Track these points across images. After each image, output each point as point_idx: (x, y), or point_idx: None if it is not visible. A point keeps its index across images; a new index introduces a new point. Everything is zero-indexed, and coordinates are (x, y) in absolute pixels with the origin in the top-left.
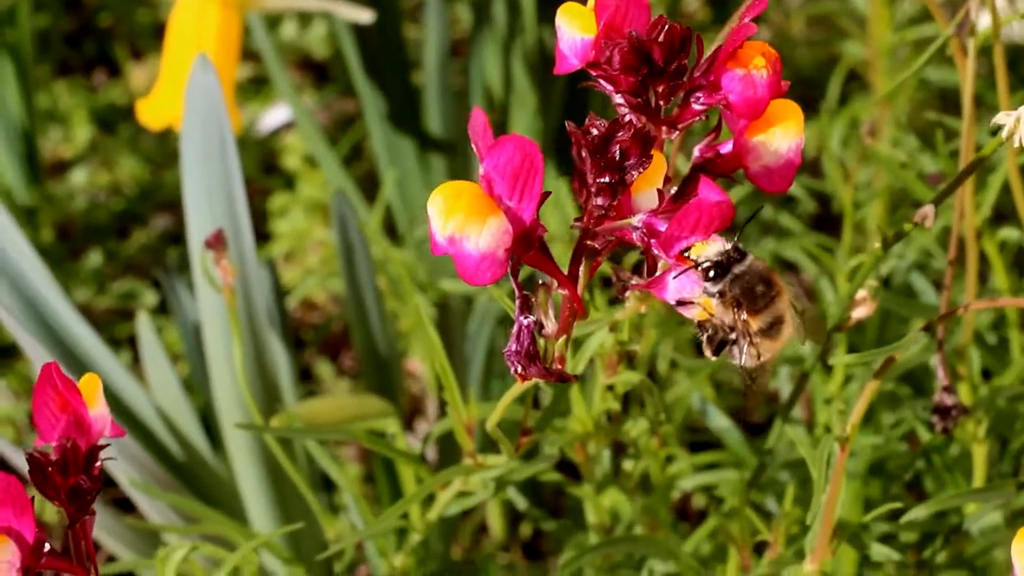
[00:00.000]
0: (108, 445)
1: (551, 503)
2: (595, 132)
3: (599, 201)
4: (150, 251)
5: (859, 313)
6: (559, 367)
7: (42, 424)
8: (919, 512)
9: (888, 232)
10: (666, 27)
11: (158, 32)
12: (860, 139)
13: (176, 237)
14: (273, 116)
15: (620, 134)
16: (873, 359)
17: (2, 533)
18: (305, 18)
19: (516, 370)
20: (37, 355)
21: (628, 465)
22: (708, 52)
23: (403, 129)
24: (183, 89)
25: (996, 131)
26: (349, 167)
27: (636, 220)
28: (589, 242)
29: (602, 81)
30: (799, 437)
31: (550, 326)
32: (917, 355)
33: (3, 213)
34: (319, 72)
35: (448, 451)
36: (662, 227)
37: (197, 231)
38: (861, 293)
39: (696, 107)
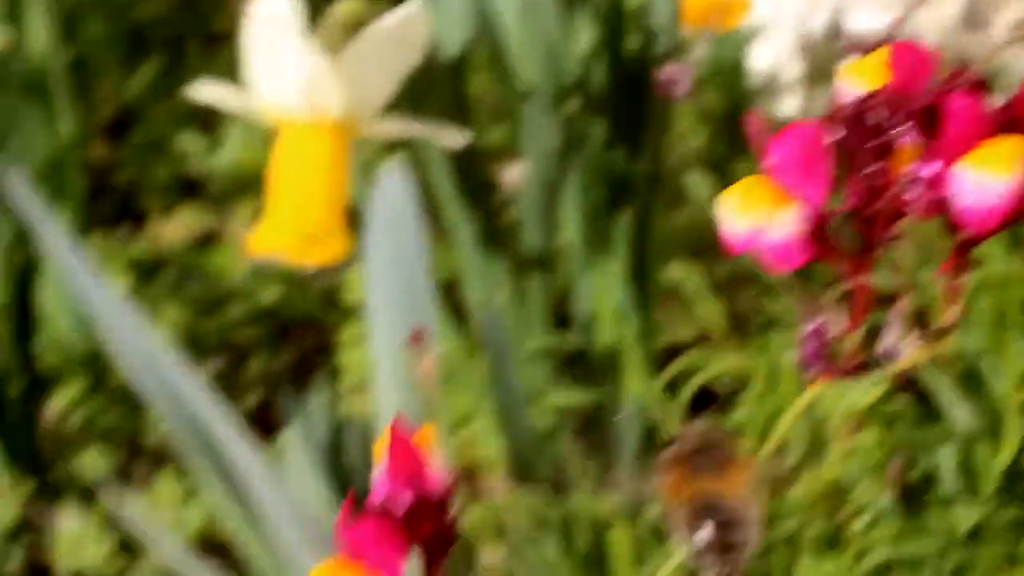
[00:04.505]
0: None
1: None
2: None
3: (873, 168)
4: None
5: None
6: (855, 362)
7: (391, 476)
8: None
9: None
10: None
11: (183, 186)
12: None
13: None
14: None
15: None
16: None
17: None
18: None
19: (813, 372)
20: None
21: None
22: None
23: None
24: (290, 219)
25: None
26: None
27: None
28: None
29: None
30: None
31: (838, 325)
32: None
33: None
34: None
35: None
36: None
37: (383, 335)
38: None
39: None
